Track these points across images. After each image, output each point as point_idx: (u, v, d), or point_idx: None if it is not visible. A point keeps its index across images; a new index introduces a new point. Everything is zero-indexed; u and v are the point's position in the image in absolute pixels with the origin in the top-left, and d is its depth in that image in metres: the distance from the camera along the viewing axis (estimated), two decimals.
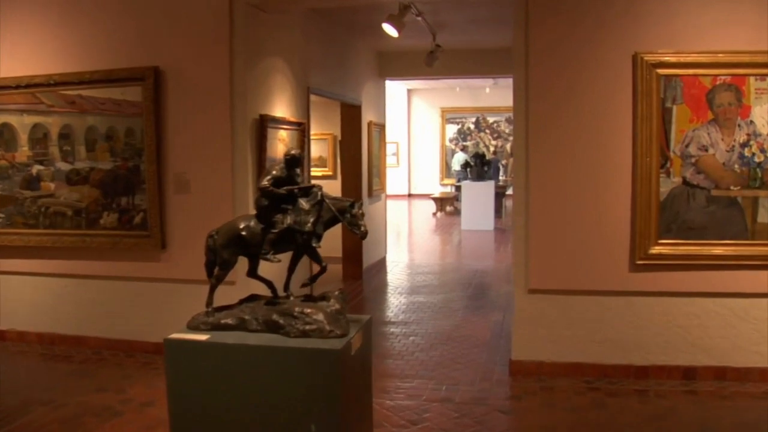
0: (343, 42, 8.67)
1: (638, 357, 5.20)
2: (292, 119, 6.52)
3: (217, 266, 3.47)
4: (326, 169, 10.65)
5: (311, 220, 3.45)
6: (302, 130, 6.75)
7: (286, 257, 3.53)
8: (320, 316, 3.29)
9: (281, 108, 6.37)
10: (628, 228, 5.08)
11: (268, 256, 3.42)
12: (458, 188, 18.73)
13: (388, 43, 9.92)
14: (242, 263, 3.56)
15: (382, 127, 10.50)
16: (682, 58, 4.90)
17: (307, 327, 3.25)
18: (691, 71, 4.91)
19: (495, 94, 24.52)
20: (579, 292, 5.22)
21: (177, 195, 5.85)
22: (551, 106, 5.17)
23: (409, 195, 25.75)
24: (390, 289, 9.08)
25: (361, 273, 9.50)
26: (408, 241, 14.06)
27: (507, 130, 25.19)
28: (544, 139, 5.18)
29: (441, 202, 18.77)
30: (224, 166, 5.71)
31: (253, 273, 3.57)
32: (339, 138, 9.77)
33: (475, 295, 8.49)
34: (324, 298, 3.50)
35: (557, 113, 5.16)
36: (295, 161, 3.52)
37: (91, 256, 6.18)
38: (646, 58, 4.92)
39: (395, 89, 24.45)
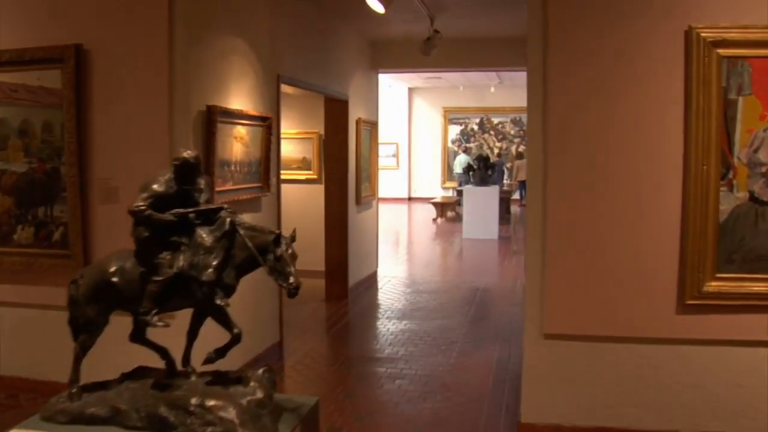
0: (326, 25, 7.49)
1: (687, 424, 4.00)
2: (254, 112, 5.33)
3: (81, 328, 2.30)
4: (310, 172, 9.47)
5: (215, 262, 2.25)
6: (268, 126, 5.56)
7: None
8: (230, 413, 2.11)
9: (239, 98, 5.19)
10: (676, 257, 3.88)
11: (149, 318, 2.22)
12: (460, 192, 17.57)
13: (381, 31, 8.74)
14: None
15: (373, 125, 9.31)
16: (751, 35, 3.71)
17: (208, 430, 2.07)
18: (763, 52, 3.72)
19: (500, 94, 23.34)
20: (610, 338, 4.03)
21: (103, 205, 4.67)
22: (576, 102, 3.98)
23: (409, 199, 24.58)
24: (379, 312, 7.89)
25: (346, 291, 8.31)
26: (404, 250, 12.87)
27: (512, 132, 24.03)
28: (567, 143, 3.99)
29: (442, 207, 17.59)
30: (161, 169, 4.53)
31: (138, 337, 2.39)
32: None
33: (477, 321, 7.30)
34: (240, 379, 2.29)
35: (584, 110, 3.97)
36: (190, 168, 2.31)
37: (1, 278, 5.01)
38: (703, 35, 3.73)
39: (396, 88, 23.32)
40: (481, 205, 13.83)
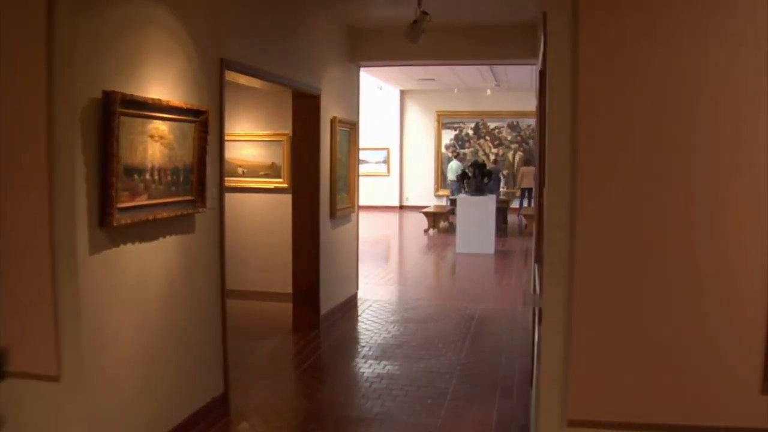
0: (291, 3, 6.25)
1: None
2: (180, 104, 4.07)
3: None
4: (280, 180, 8.20)
5: None
6: (202, 123, 4.30)
7: None
8: None
9: (160, 85, 3.93)
10: (764, 315, 2.63)
11: None
12: (453, 201, 16.35)
13: (361, 16, 7.51)
14: None
15: (353, 126, 8.06)
16: None
17: None
18: None
19: (497, 97, 22.14)
20: (665, 427, 2.77)
21: None
22: (618, 88, 2.72)
23: (401, 207, 23.36)
24: (354, 348, 6.63)
25: (318, 320, 7.06)
26: (392, 267, 11.60)
27: (509, 137, 22.85)
28: (608, 160, 2.72)
29: (434, 217, 16.35)
30: (35, 182, 3.28)
31: None
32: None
33: (471, 363, 6.04)
34: None
35: (631, 100, 2.71)
36: None
37: None
38: None
39: (387, 91, 22.13)
40: (477, 217, 12.60)
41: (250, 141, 8.38)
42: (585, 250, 2.73)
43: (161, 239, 4.02)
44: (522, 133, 22.82)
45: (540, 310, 3.08)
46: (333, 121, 7.26)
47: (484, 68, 17.10)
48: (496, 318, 7.71)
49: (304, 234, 6.96)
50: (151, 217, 3.80)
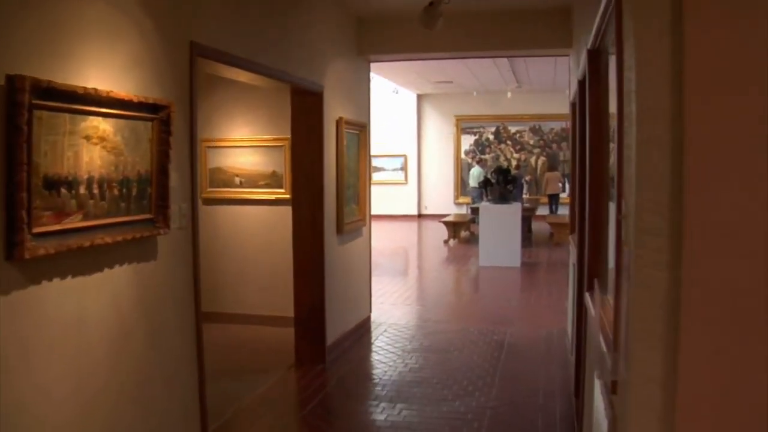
0: None
1: None
2: (129, 96, 3.16)
3: None
4: (281, 190, 7.30)
5: None
6: (163, 121, 3.39)
7: None
8: None
9: (100, 71, 3.03)
10: None
11: None
12: (474, 210, 15.38)
13: (371, 4, 6.61)
14: None
15: (362, 128, 7.14)
16: None
17: None
18: None
19: (518, 100, 21.16)
20: None
21: None
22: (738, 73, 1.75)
23: (419, 216, 22.42)
24: (365, 387, 5.68)
25: (323, 352, 6.12)
26: (409, 283, 10.64)
27: (531, 142, 21.86)
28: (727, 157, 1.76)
29: (454, 227, 15.38)
30: None
31: None
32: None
33: (504, 407, 5.07)
34: None
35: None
36: None
37: None
38: None
39: (403, 95, 21.25)
40: (501, 226, 11.63)
41: (249, 147, 7.50)
42: (699, 292, 1.77)
43: (107, 270, 3.11)
44: (545, 137, 21.82)
45: (613, 381, 2.12)
46: (339, 123, 6.34)
47: (505, 68, 16.17)
48: (528, 345, 6.73)
49: (305, 254, 6.04)
50: (88, 243, 2.89)
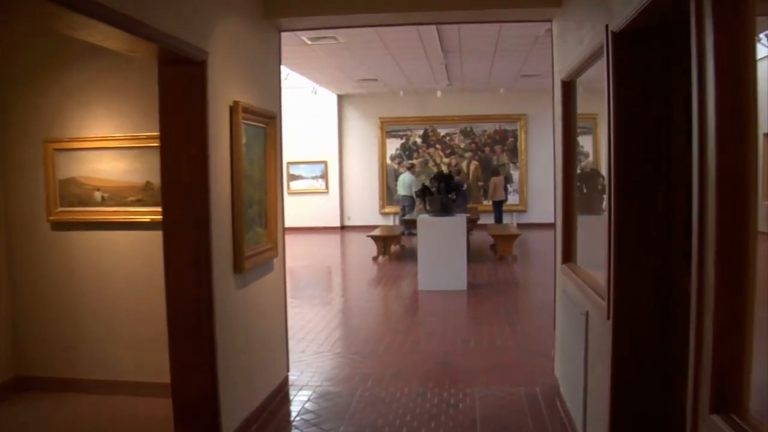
0: None
1: None
2: None
3: None
4: (159, 209, 5.18)
5: None
6: None
7: None
8: None
9: None
10: None
11: None
12: (406, 222, 13.58)
13: None
14: None
15: (270, 120, 5.11)
16: None
17: None
18: None
19: (448, 100, 19.51)
20: None
21: None
22: None
23: (342, 227, 20.48)
24: None
25: None
26: (335, 318, 8.62)
27: (462, 145, 20.26)
28: None
29: (383, 241, 13.48)
30: None
31: None
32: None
33: None
34: None
35: None
36: None
37: None
38: None
39: (322, 95, 19.30)
40: (443, 243, 9.79)
41: (114, 149, 5.37)
42: None
43: None
44: (477, 140, 20.26)
45: None
46: (234, 110, 4.31)
47: (437, 64, 14.45)
48: (508, 417, 4.85)
49: (184, 307, 3.99)
50: None
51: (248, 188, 4.55)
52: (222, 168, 4.17)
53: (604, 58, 3.19)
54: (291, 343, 6.65)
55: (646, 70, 3.03)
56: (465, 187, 18.87)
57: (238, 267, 4.36)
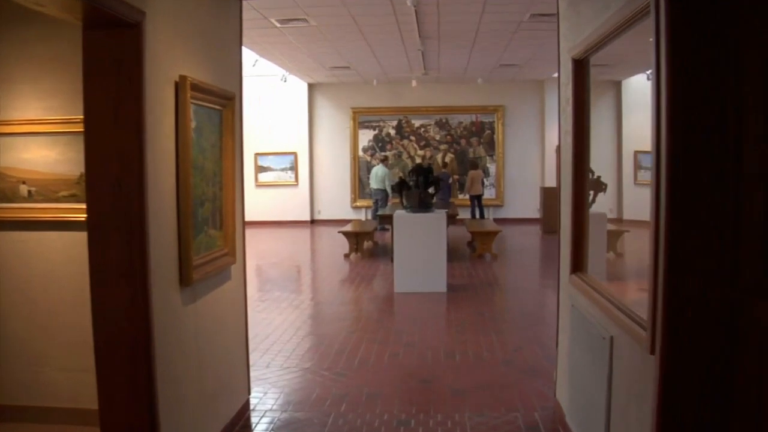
0: None
1: None
2: None
3: None
4: (80, 205, 4.37)
5: None
6: None
7: None
8: None
9: None
10: None
11: None
12: (380, 217, 12.86)
13: None
14: None
15: (228, 101, 4.31)
16: None
17: None
18: None
19: (423, 90, 18.78)
20: None
21: None
22: None
23: (312, 221, 19.69)
24: None
25: None
26: (305, 324, 7.85)
27: (437, 137, 19.57)
28: None
29: (356, 238, 12.72)
30: None
31: None
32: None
33: None
34: None
35: None
36: None
37: None
38: None
39: (292, 84, 18.48)
40: (422, 241, 9.07)
41: (43, 134, 4.55)
42: None
43: None
44: (452, 132, 19.57)
45: None
46: (180, 87, 3.52)
47: (413, 50, 13.70)
48: None
49: (113, 330, 3.21)
50: None
51: (198, 182, 3.77)
52: (164, 158, 3.39)
53: (652, 19, 2.47)
54: (255, 356, 5.91)
55: (710, 33, 2.33)
56: (451, 180, 18.24)
57: (185, 278, 3.58)
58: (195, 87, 3.61)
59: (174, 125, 3.49)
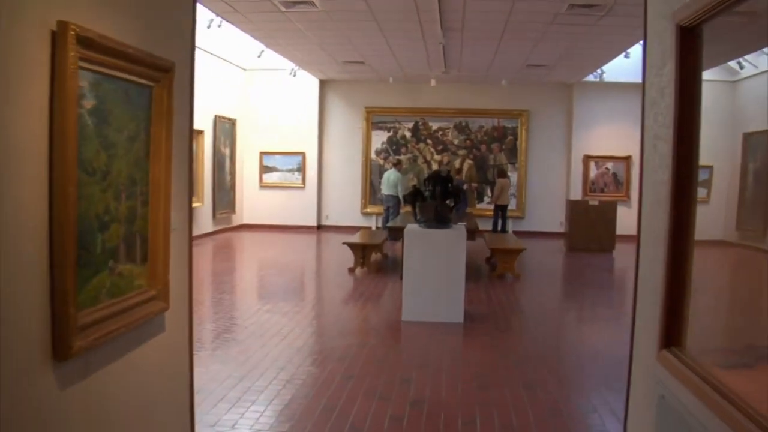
0: None
1: None
2: None
3: None
4: None
5: None
6: None
7: None
8: None
9: None
10: None
11: None
12: (390, 229, 11.54)
13: None
14: None
15: (164, 74, 2.95)
16: None
17: None
18: None
19: (443, 90, 17.47)
20: None
21: None
22: None
23: (319, 227, 18.41)
24: None
25: None
26: (285, 370, 6.47)
27: (456, 141, 18.25)
28: None
29: (363, 250, 11.36)
30: None
31: None
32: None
33: None
34: None
35: None
36: None
37: None
38: None
39: (302, 80, 17.25)
40: (437, 262, 7.70)
41: None
42: None
43: None
44: (472, 137, 18.23)
45: None
46: (59, 39, 2.17)
47: (433, 44, 12.37)
48: None
49: None
50: None
51: (97, 194, 2.42)
52: (22, 153, 2.05)
53: None
54: (219, 409, 4.58)
55: None
56: (466, 186, 16.86)
57: (61, 348, 2.23)
58: (90, 43, 2.26)
59: (48, 102, 2.15)
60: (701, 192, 2.71)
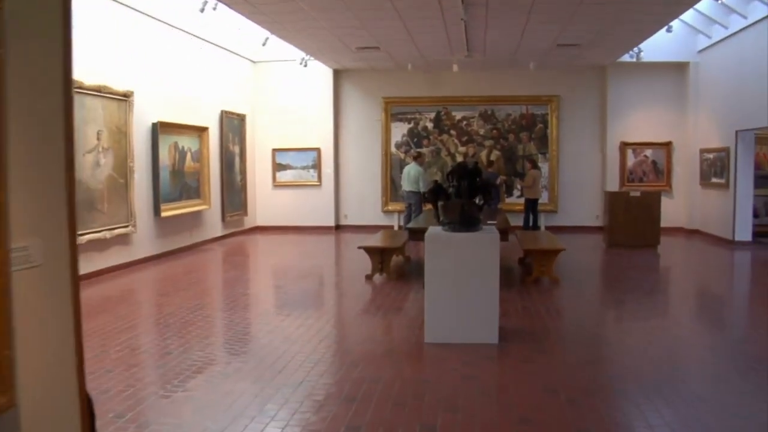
0: None
1: None
2: None
3: None
4: None
5: None
6: None
7: None
8: None
9: None
10: None
11: None
12: (411, 231, 10.33)
13: None
14: None
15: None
16: None
17: None
18: None
19: (466, 77, 16.19)
20: None
21: None
22: None
23: (337, 227, 17.26)
24: None
25: None
26: (277, 419, 5.28)
27: (482, 131, 16.98)
28: None
29: (381, 255, 10.14)
30: None
31: None
32: None
33: None
34: None
35: None
36: None
37: None
38: None
39: (315, 69, 16.07)
40: (464, 272, 6.46)
41: None
42: None
43: None
44: (499, 126, 16.93)
45: None
46: None
47: (454, 24, 11.10)
48: None
49: None
50: None
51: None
52: None
53: None
54: None
55: None
56: (499, 181, 15.66)
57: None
58: None
59: None
60: None
